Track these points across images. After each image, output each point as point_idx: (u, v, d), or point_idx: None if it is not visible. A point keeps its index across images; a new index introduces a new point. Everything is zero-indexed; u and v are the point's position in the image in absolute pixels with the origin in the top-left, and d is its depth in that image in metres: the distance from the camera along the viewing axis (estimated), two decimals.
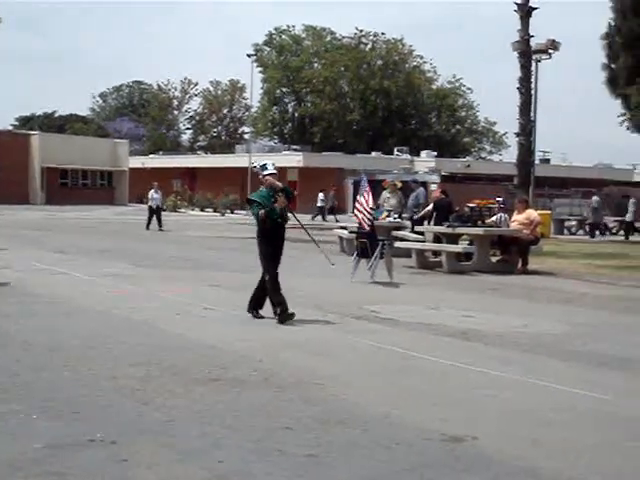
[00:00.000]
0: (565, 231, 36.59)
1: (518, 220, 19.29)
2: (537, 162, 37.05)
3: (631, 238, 34.23)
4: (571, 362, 8.80)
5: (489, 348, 9.47)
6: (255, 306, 10.96)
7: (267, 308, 10.87)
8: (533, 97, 31.07)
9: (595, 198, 35.93)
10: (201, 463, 5.26)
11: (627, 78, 30.89)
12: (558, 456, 5.59)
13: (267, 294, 10.82)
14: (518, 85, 30.07)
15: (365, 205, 15.78)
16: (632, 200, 35.74)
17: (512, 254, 18.86)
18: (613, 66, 32.61)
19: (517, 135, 30.51)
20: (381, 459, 5.46)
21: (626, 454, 5.69)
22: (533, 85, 30.81)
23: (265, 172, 10.94)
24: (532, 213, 19.78)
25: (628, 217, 35.51)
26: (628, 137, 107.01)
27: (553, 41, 34.23)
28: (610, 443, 5.93)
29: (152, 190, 32.86)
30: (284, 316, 10.56)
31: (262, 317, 10.80)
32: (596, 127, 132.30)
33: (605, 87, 33.17)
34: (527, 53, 30.26)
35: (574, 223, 38.64)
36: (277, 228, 10.85)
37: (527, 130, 30.35)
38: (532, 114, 31.00)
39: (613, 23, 31.98)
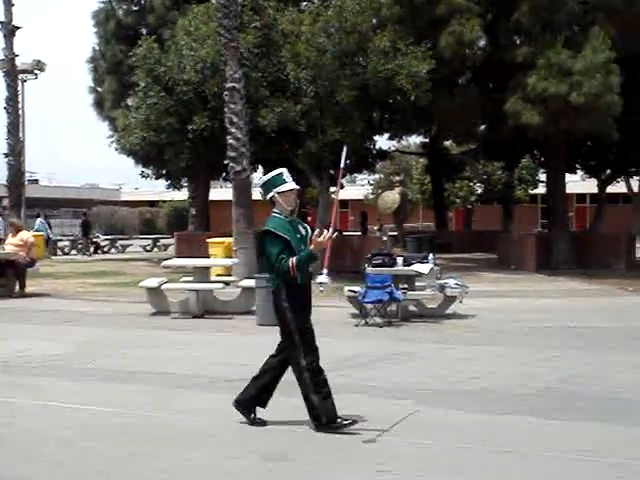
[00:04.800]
0: (59, 251, 36.54)
1: (12, 243, 18.88)
2: (26, 183, 36.44)
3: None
4: (81, 381, 8.94)
5: None
6: (256, 403, 7.01)
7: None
8: (21, 117, 30.72)
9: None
10: None
11: (113, 101, 31.98)
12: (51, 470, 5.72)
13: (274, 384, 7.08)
14: (5, 105, 29.54)
15: None
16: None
17: (9, 278, 18.42)
18: (99, 89, 33.53)
19: (6, 156, 29.88)
20: None
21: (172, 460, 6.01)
22: (21, 105, 30.51)
23: (282, 188, 6.81)
24: (25, 234, 19.47)
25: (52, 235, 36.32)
26: (116, 158, 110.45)
27: (39, 61, 34.16)
28: (144, 454, 6.20)
29: None
30: (331, 427, 6.71)
31: (264, 423, 6.96)
32: (84, 148, 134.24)
33: (93, 109, 33.98)
34: (13, 72, 29.81)
35: (67, 243, 38.85)
36: (308, 285, 6.87)
37: (17, 150, 29.87)
38: (21, 134, 30.62)
39: (98, 48, 32.88)
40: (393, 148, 40.04)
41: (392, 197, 32.82)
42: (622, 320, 14.00)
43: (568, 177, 29.58)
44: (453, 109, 23.19)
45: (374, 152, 30.25)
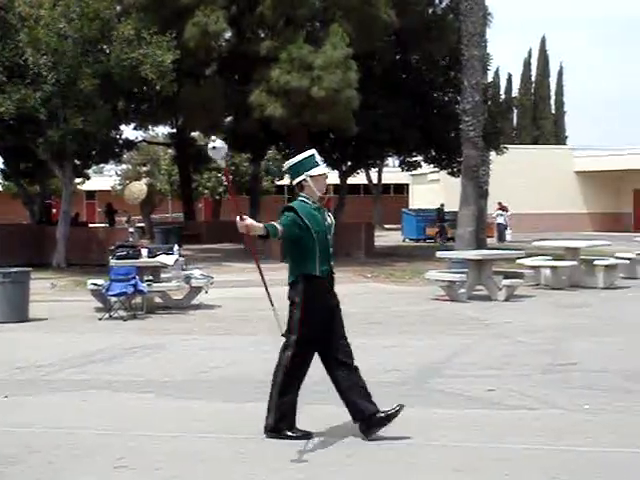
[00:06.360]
0: None
1: None
2: None
3: None
4: None
5: None
6: (368, 410, 6.20)
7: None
8: None
9: None
10: None
11: None
12: None
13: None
14: None
15: None
16: None
17: None
18: None
19: None
20: None
21: None
22: None
23: (314, 172, 6.27)
24: None
25: None
26: None
27: None
28: None
29: None
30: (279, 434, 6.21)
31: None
32: None
33: None
34: None
35: None
36: (330, 283, 6.35)
37: None
38: None
39: None
40: (140, 138, 39.47)
41: (139, 188, 32.46)
42: (360, 305, 14.67)
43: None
44: (199, 100, 23.23)
45: (120, 142, 29.67)
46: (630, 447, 6.00)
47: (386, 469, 5.58)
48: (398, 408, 6.23)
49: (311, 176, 6.20)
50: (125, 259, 13.75)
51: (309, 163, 6.23)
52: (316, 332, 6.17)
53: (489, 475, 5.45)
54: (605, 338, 11.03)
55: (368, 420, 6.16)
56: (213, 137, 6.29)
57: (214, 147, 6.01)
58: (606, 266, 17.31)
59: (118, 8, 23.23)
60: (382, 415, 6.17)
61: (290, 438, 6.15)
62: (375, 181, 52.74)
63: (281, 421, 6.19)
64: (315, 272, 6.15)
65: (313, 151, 6.36)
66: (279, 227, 6.00)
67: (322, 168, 6.30)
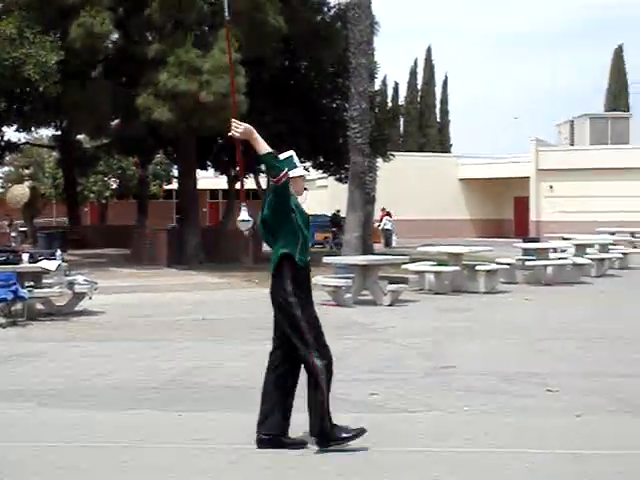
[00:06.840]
0: None
1: None
2: None
3: None
4: None
5: None
6: (283, 430, 6.02)
7: None
8: None
9: None
10: None
11: None
12: None
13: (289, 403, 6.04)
14: None
15: None
16: None
17: None
18: None
19: None
20: None
21: None
22: None
23: (293, 173, 6.07)
24: None
25: None
26: None
27: None
28: None
29: None
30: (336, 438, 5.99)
31: (303, 444, 6.04)
32: None
33: None
34: None
35: None
36: (308, 274, 6.19)
37: None
38: None
39: None
40: (23, 140, 38.39)
41: (21, 191, 31.57)
42: (247, 311, 14.67)
43: (202, 173, 30.42)
44: (84, 102, 22.73)
45: (2, 144, 28.84)
46: (502, 447, 6.19)
47: (266, 476, 5.61)
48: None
49: (290, 177, 6.03)
50: (5, 264, 13.35)
51: (288, 165, 6.07)
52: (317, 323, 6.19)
53: (370, 478, 5.54)
54: (485, 341, 11.36)
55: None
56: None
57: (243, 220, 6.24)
58: (487, 271, 17.82)
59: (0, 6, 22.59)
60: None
61: (343, 440, 5.99)
62: (264, 186, 52.72)
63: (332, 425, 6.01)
64: (295, 256, 5.99)
65: (291, 152, 6.23)
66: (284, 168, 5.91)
67: (300, 170, 6.22)
